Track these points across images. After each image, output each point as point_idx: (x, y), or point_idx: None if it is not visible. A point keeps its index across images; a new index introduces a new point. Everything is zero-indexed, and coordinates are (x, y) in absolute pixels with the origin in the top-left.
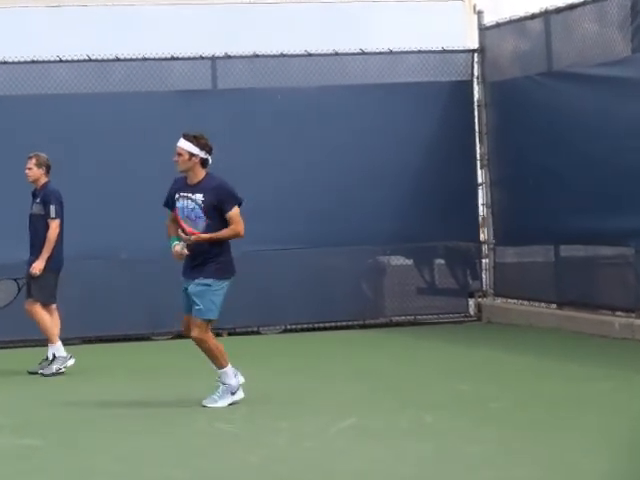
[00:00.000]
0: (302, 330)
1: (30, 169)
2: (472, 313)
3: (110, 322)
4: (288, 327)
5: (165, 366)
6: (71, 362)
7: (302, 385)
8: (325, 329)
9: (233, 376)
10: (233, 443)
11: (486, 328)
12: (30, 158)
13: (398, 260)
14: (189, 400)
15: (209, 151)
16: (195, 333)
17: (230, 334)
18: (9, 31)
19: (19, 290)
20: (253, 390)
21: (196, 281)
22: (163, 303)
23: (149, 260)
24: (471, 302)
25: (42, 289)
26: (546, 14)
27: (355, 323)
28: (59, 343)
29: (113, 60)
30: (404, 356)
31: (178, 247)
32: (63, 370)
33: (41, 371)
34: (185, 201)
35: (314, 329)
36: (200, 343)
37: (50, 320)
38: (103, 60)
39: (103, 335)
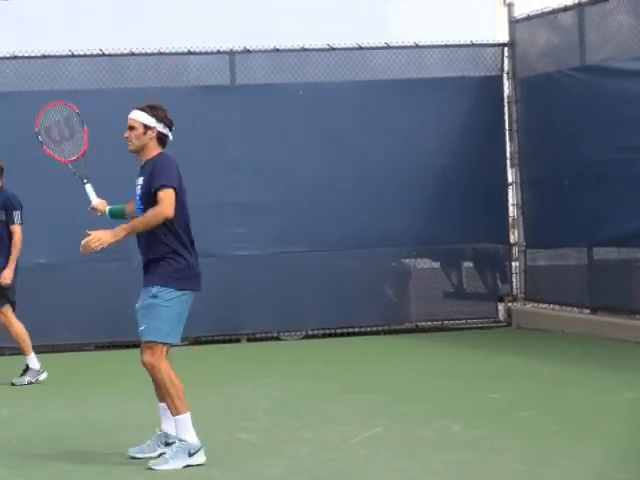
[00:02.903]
0: (324, 336)
1: None
2: (501, 318)
3: (123, 327)
4: (309, 333)
5: (179, 373)
6: (44, 376)
7: (324, 393)
8: (348, 335)
9: (192, 429)
10: (254, 454)
11: (516, 334)
12: None
13: (424, 263)
14: (206, 409)
15: (169, 125)
16: (145, 357)
17: (249, 340)
18: (20, 24)
19: None
20: (273, 398)
21: (144, 292)
22: None
23: None
24: (500, 307)
25: (10, 293)
26: (580, 6)
27: (379, 329)
28: (33, 354)
29: (127, 55)
30: (430, 363)
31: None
32: (34, 382)
33: (13, 381)
34: (136, 191)
35: (336, 335)
36: (151, 371)
37: (22, 330)
38: (117, 55)
39: (116, 341)
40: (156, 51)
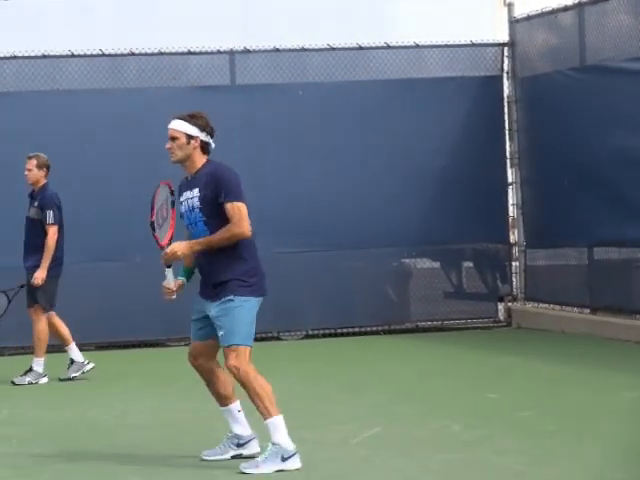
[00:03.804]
0: (324, 336)
1: (30, 170)
2: (501, 318)
3: (124, 327)
4: (309, 332)
5: (180, 373)
6: (44, 380)
7: (324, 393)
8: (348, 335)
9: (286, 432)
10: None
11: (516, 334)
12: (30, 159)
13: (424, 263)
14: (206, 409)
15: (211, 133)
16: (230, 361)
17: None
18: (19, 24)
19: (9, 302)
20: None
21: (216, 302)
22: (179, 308)
23: None
24: (500, 307)
25: (42, 294)
26: (580, 6)
27: (379, 328)
28: (43, 359)
29: (127, 55)
30: (430, 363)
31: (166, 281)
32: (34, 383)
33: (13, 379)
34: (187, 204)
35: (336, 335)
36: (237, 375)
37: (47, 334)
38: (117, 55)
39: (117, 341)
40: (156, 51)
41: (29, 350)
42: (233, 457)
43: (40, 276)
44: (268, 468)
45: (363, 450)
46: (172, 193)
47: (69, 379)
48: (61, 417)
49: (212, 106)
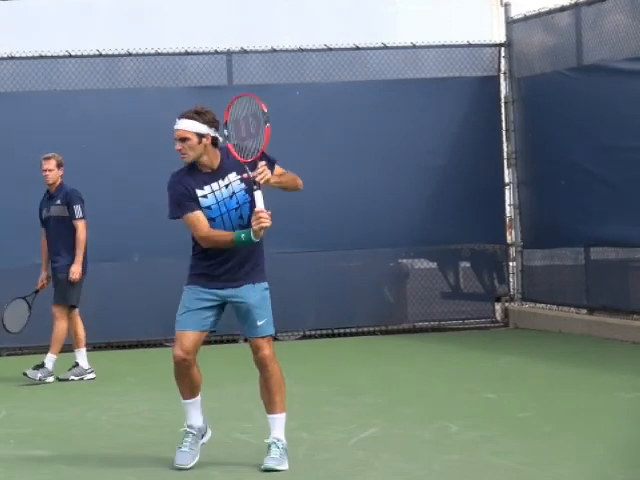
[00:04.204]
0: (322, 336)
1: (51, 170)
2: (499, 318)
3: (121, 327)
4: (307, 333)
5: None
6: (51, 379)
7: (322, 394)
8: (345, 335)
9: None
10: (250, 454)
11: (513, 334)
12: (48, 159)
13: (422, 263)
14: (205, 409)
15: (217, 127)
16: (266, 351)
17: (247, 340)
18: (16, 25)
19: (30, 308)
20: None
21: (249, 287)
22: (176, 308)
23: (162, 263)
24: (498, 307)
25: (73, 292)
26: (576, 6)
27: (377, 329)
28: (56, 357)
29: (125, 55)
30: (428, 363)
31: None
32: (45, 381)
33: (25, 371)
34: (218, 195)
35: (334, 335)
36: (270, 365)
37: (66, 334)
38: (114, 55)
39: (114, 341)
40: (153, 52)
41: (27, 351)
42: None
43: (77, 271)
44: (286, 464)
45: (362, 451)
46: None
47: (66, 380)
48: (60, 418)
49: (209, 106)
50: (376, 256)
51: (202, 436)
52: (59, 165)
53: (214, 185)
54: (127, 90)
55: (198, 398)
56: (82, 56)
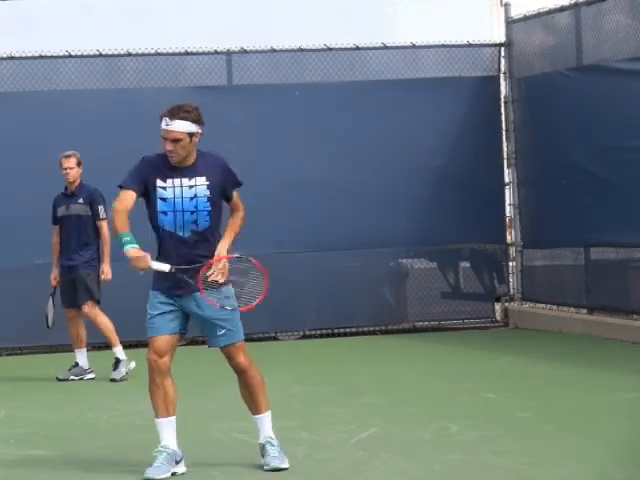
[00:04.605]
0: (321, 336)
1: (72, 168)
2: (499, 318)
3: (121, 327)
4: (307, 333)
5: (178, 374)
6: (132, 365)
7: (322, 393)
8: (345, 335)
9: None
10: (249, 454)
11: (513, 334)
12: (68, 157)
13: (421, 263)
14: (203, 409)
15: (203, 123)
16: (241, 358)
17: (246, 340)
18: (16, 25)
19: (54, 306)
20: (271, 399)
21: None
22: None
23: None
24: (497, 307)
25: (96, 287)
26: (576, 6)
27: (376, 329)
28: (120, 346)
29: (124, 55)
30: (428, 363)
31: (135, 253)
32: (129, 370)
33: (112, 377)
34: (178, 191)
35: (334, 335)
36: (249, 372)
37: (110, 323)
38: (114, 55)
39: None
40: (153, 52)
41: (27, 351)
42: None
43: (108, 271)
44: (287, 461)
45: (362, 451)
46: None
47: (66, 380)
48: (59, 418)
49: (209, 106)
50: (376, 256)
51: (176, 462)
52: (79, 163)
53: (177, 181)
54: (127, 90)
55: (173, 418)
56: (82, 56)
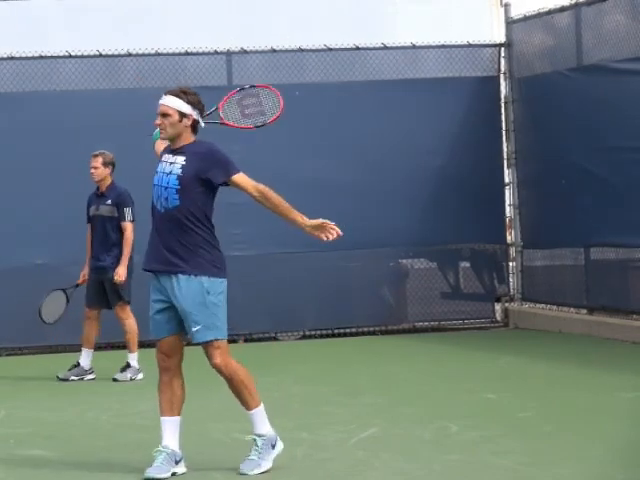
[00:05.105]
0: (321, 336)
1: (96, 168)
2: (499, 318)
3: (119, 328)
4: (307, 333)
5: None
6: (141, 376)
7: (322, 394)
8: (345, 335)
9: (267, 420)
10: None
11: (513, 334)
12: (95, 156)
13: (421, 263)
14: (203, 409)
15: (202, 110)
16: (215, 359)
17: (246, 340)
18: (17, 25)
19: (68, 301)
20: (270, 399)
21: (184, 280)
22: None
23: None
24: (498, 307)
25: (125, 289)
26: (576, 6)
27: (376, 329)
28: (136, 354)
29: (124, 55)
30: (428, 363)
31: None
32: (134, 379)
33: (115, 376)
34: (161, 166)
35: (334, 335)
36: (225, 371)
37: (136, 328)
38: (114, 55)
39: (114, 341)
40: (153, 52)
41: (27, 351)
42: (173, 474)
43: (123, 272)
44: (268, 462)
45: (361, 451)
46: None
47: (66, 380)
48: (59, 418)
49: (209, 107)
50: (376, 256)
51: (176, 462)
52: (106, 163)
53: (166, 157)
54: (127, 90)
55: (177, 418)
56: (82, 56)
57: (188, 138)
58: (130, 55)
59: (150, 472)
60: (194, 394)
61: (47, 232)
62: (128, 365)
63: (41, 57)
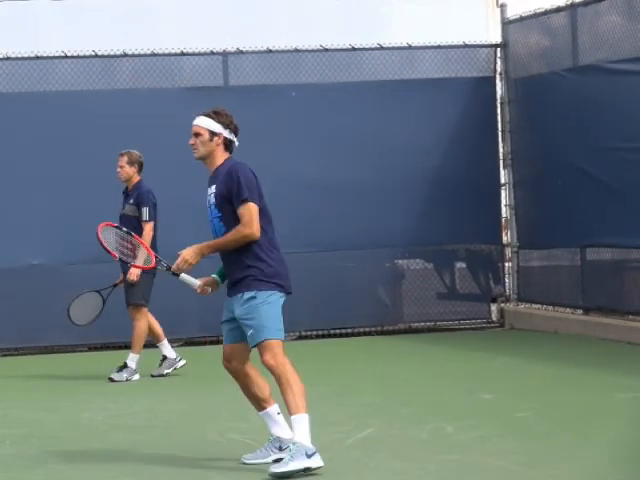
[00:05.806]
0: (317, 337)
1: (122, 167)
2: (494, 319)
3: (116, 328)
4: (303, 334)
5: (175, 375)
6: (136, 377)
7: (318, 394)
8: (341, 336)
9: (308, 433)
10: (246, 454)
11: (509, 334)
12: (121, 155)
13: (417, 264)
14: (201, 409)
15: (235, 131)
16: (265, 358)
17: None
18: (12, 25)
19: (104, 302)
20: None
21: (237, 299)
22: (174, 308)
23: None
24: (493, 307)
25: (138, 292)
26: (572, 7)
27: (372, 329)
28: (138, 356)
29: (120, 56)
30: (424, 364)
31: (192, 286)
32: (131, 380)
33: (111, 376)
34: (207, 200)
35: (330, 336)
36: (276, 370)
37: (146, 332)
38: (110, 56)
39: (109, 342)
40: (149, 52)
41: (23, 352)
42: (275, 461)
43: (135, 272)
44: (296, 465)
45: (357, 451)
46: (116, 226)
47: (162, 375)
48: (55, 418)
49: (205, 107)
50: (372, 257)
51: (280, 448)
52: (131, 162)
53: (209, 190)
54: (123, 90)
55: (267, 410)
56: (78, 57)
57: (221, 156)
58: (126, 55)
59: (245, 457)
60: (192, 395)
61: (43, 233)
62: (125, 365)
63: (37, 57)
